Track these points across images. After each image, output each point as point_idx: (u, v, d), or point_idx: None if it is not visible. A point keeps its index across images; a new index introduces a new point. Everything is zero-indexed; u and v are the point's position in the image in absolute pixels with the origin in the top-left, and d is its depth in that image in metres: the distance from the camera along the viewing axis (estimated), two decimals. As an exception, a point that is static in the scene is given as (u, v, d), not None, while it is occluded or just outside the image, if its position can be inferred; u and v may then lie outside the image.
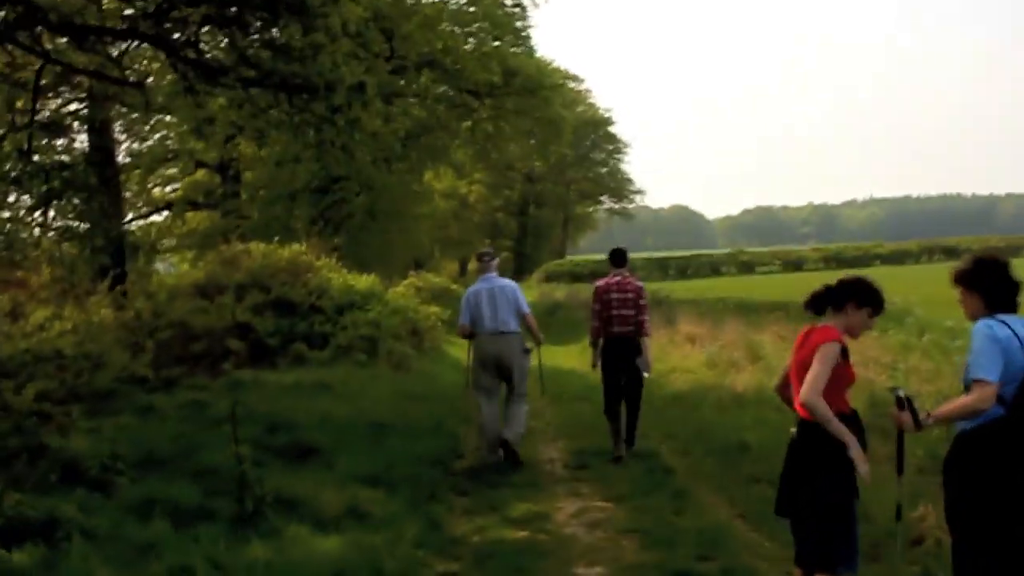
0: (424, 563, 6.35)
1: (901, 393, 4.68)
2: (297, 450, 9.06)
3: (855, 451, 4.62)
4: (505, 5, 26.24)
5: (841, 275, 5.12)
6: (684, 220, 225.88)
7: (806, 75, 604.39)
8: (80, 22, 10.93)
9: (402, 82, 20.63)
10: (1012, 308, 4.53)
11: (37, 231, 17.28)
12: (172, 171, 30.01)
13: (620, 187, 73.22)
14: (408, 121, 19.99)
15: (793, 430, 4.94)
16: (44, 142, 17.01)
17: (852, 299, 4.88)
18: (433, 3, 21.11)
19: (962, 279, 4.66)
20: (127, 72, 14.08)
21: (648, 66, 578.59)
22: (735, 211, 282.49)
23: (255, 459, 7.48)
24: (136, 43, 13.02)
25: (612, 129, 70.28)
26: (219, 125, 14.22)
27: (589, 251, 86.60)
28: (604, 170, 71.60)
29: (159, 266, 28.14)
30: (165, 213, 29.92)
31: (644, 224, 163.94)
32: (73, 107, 19.24)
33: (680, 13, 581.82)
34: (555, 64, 39.42)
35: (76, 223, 18.77)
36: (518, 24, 26.75)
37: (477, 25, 25.51)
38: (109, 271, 16.75)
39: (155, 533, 6.21)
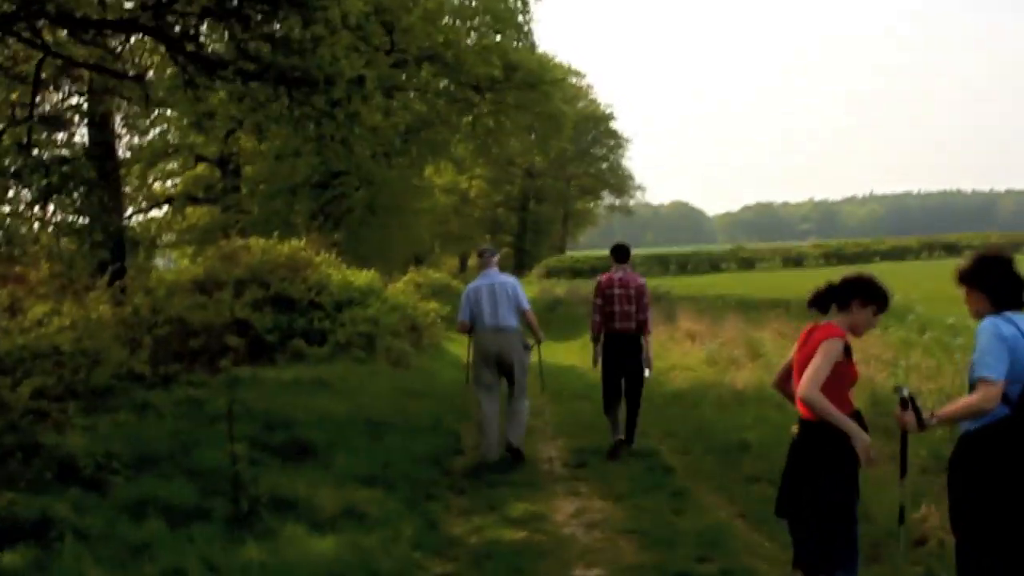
0: (420, 564, 6.29)
1: (905, 393, 4.62)
2: (294, 448, 9.00)
3: (858, 440, 4.56)
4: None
5: (842, 272, 5.07)
6: (684, 216, 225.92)
7: (806, 71, 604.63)
8: (81, 15, 10.88)
9: (403, 76, 20.55)
10: (1018, 305, 4.48)
11: (36, 226, 17.23)
12: (172, 166, 29.91)
13: (621, 183, 73.11)
14: (408, 115, 19.91)
15: (794, 429, 4.90)
16: (44, 136, 16.95)
17: (857, 297, 4.82)
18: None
19: (966, 277, 4.61)
20: (127, 66, 14.03)
21: (649, 62, 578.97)
22: (735, 207, 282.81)
23: (252, 458, 7.43)
24: (136, 36, 12.98)
25: (613, 125, 70.29)
26: (219, 119, 14.16)
27: (589, 247, 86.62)
28: (605, 166, 71.48)
29: (159, 261, 28.07)
30: (165, 208, 29.85)
31: (644, 220, 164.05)
32: (73, 101, 19.19)
33: (681, 9, 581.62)
34: (557, 59, 39.25)
35: (76, 217, 18.71)
36: (520, 19, 26.67)
37: (478, 19, 25.41)
38: (108, 266, 16.69)
39: (149, 533, 6.15)
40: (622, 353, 9.90)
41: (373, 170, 25.80)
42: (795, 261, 70.40)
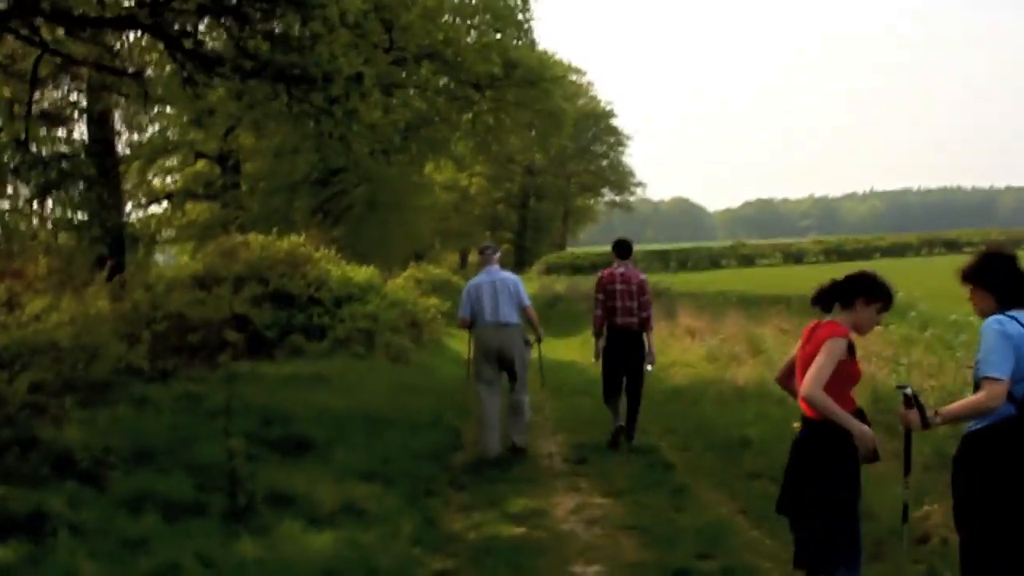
0: (419, 561, 6.24)
1: (909, 391, 4.58)
2: (293, 444, 8.96)
3: (861, 437, 4.53)
4: (507, -3, 26.05)
5: (843, 268, 5.02)
6: (684, 213, 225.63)
7: (807, 69, 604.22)
8: (79, 12, 10.85)
9: (403, 74, 20.49)
10: (1023, 303, 4.43)
11: (36, 222, 17.20)
12: (172, 162, 29.90)
13: (621, 180, 73.10)
14: (408, 113, 19.87)
15: (796, 425, 4.86)
16: (43, 133, 16.92)
17: (862, 294, 4.77)
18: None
19: (971, 276, 4.57)
20: (126, 63, 13.99)
21: (649, 59, 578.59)
22: (735, 204, 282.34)
23: (250, 453, 7.40)
24: (134, 33, 12.94)
25: (613, 122, 70.28)
26: (218, 116, 14.14)
27: (589, 244, 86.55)
28: (605, 163, 71.49)
29: (160, 258, 28.06)
30: (165, 204, 29.85)
31: (644, 216, 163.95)
32: (73, 98, 19.15)
33: (681, 7, 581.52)
34: (557, 57, 39.20)
35: (74, 213, 18.67)
36: (520, 17, 26.61)
37: (478, 18, 25.35)
38: (107, 262, 16.66)
39: (145, 528, 6.11)
40: (623, 349, 9.88)
41: (373, 167, 25.75)
42: (795, 257, 70.36)
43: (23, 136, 14.45)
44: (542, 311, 15.66)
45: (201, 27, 12.06)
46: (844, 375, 4.63)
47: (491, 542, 6.73)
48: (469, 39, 24.19)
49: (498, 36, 25.44)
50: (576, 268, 55.68)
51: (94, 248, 17.71)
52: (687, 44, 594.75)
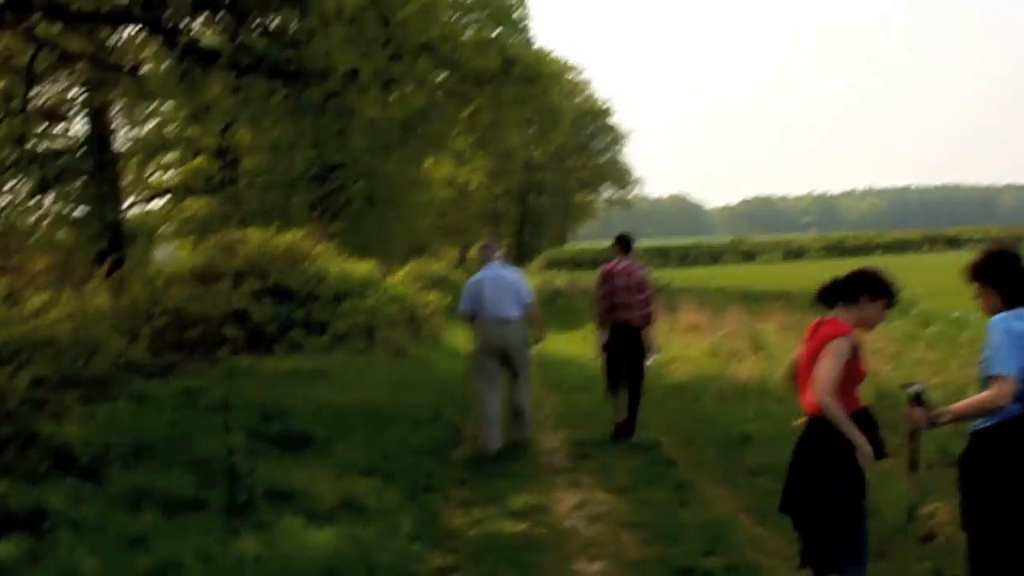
0: (419, 557, 6.20)
1: (914, 390, 4.54)
2: (292, 439, 8.92)
3: (863, 455, 4.51)
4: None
5: (844, 265, 4.98)
6: (683, 210, 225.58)
7: (805, 64, 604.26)
8: (75, 8, 10.80)
9: (400, 70, 20.46)
10: None
11: (34, 217, 17.20)
12: (170, 158, 29.83)
13: (620, 176, 73.06)
14: (406, 108, 19.83)
15: (797, 422, 4.82)
16: (41, 128, 16.89)
17: (866, 291, 4.73)
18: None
19: (977, 273, 4.53)
20: (123, 59, 13.95)
21: (647, 56, 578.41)
22: (734, 201, 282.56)
23: (249, 448, 7.36)
24: (130, 29, 12.91)
25: (612, 119, 70.21)
26: (216, 112, 14.10)
27: (589, 239, 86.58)
28: (604, 159, 71.45)
29: (160, 253, 28.04)
30: (164, 199, 29.78)
31: (643, 213, 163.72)
32: (70, 94, 19.10)
33: (679, 3, 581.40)
34: (554, 54, 39.26)
35: (73, 208, 18.66)
36: (515, 15, 26.59)
37: (476, 14, 25.32)
38: (107, 257, 16.65)
39: (145, 524, 6.08)
40: (624, 344, 9.86)
41: (371, 163, 25.69)
42: (796, 254, 70.41)
43: (21, 133, 14.44)
44: (542, 306, 15.60)
45: (197, 23, 12.03)
46: (850, 374, 4.60)
47: (492, 538, 6.70)
48: (467, 35, 24.18)
49: (496, 32, 25.44)
50: (576, 264, 55.81)
51: (94, 244, 17.70)
52: (685, 41, 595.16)
